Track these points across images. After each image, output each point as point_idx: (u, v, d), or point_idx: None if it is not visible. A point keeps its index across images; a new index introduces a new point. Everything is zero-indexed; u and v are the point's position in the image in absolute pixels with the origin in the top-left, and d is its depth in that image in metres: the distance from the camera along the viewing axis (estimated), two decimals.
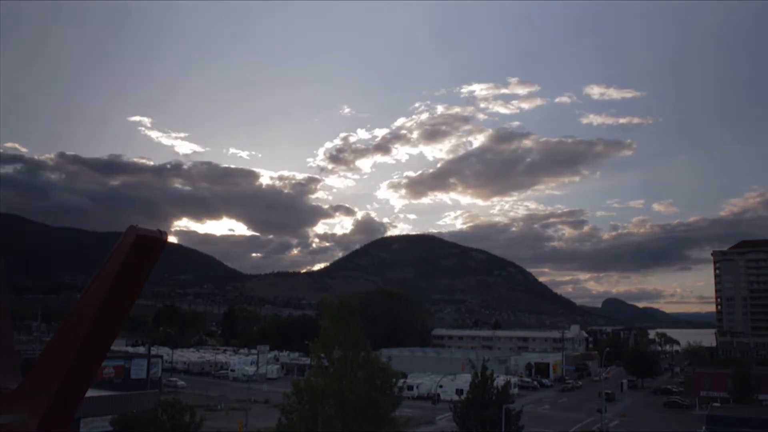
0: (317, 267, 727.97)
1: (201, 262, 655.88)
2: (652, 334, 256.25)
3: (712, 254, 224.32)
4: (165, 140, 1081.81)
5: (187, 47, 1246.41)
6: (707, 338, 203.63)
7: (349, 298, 32.68)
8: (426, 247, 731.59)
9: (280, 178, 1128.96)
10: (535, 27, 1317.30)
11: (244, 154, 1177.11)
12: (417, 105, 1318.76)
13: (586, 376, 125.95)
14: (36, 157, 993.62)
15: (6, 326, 9.74)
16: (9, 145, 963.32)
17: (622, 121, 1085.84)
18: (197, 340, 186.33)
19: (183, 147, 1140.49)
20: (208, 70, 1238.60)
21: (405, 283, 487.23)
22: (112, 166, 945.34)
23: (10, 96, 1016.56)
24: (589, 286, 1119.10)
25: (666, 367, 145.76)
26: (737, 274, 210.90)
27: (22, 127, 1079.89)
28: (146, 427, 37.35)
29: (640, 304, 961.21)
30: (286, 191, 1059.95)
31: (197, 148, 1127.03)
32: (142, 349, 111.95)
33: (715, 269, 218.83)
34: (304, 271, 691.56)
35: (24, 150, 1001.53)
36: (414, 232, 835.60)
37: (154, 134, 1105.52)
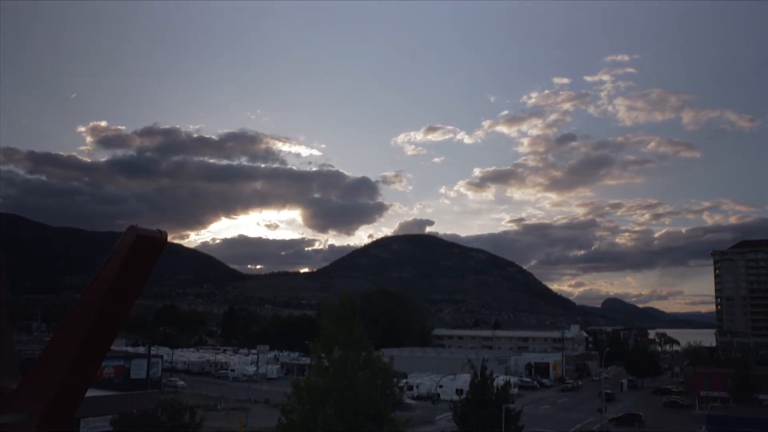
0: (317, 267, 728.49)
1: (201, 262, 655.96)
2: (652, 334, 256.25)
3: (711, 254, 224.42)
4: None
5: (280, 48, 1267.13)
6: (707, 338, 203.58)
7: (351, 298, 32.61)
8: (426, 247, 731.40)
9: (341, 175, 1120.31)
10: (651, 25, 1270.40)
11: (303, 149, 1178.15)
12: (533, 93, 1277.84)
13: (586, 376, 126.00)
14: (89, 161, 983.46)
15: (6, 326, 9.73)
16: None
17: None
18: (197, 340, 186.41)
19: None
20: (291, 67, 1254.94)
21: (405, 283, 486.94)
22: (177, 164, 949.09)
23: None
24: (596, 285, 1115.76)
25: (666, 367, 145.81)
26: (737, 274, 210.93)
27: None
28: (146, 427, 37.32)
29: (641, 305, 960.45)
30: (354, 188, 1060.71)
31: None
32: (142, 349, 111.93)
33: (715, 269, 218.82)
34: (304, 271, 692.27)
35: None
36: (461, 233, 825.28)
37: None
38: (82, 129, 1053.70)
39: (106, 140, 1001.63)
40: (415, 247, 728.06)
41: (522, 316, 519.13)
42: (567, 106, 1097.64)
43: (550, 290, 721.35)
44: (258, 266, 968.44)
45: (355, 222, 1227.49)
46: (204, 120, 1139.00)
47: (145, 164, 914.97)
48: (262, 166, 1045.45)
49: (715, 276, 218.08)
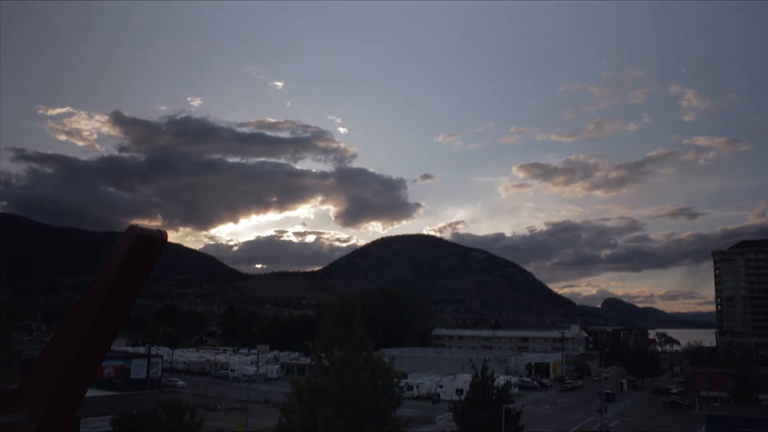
0: (317, 267, 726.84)
1: (201, 262, 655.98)
2: (652, 334, 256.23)
3: (712, 254, 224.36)
4: None
5: (332, 45, 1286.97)
6: (707, 338, 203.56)
7: (351, 297, 32.58)
8: (426, 247, 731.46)
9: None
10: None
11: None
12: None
13: (586, 376, 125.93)
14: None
15: (6, 326, 9.71)
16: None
17: None
18: (197, 340, 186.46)
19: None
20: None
21: (405, 283, 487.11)
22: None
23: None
24: (612, 286, 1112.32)
25: (666, 367, 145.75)
26: (737, 274, 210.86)
27: None
28: (146, 427, 37.31)
29: (641, 305, 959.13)
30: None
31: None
32: (142, 349, 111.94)
33: (715, 269, 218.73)
34: (304, 270, 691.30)
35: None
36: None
37: None
38: (87, 124, 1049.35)
39: (119, 135, 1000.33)
40: (415, 247, 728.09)
41: (522, 316, 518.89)
42: (631, 100, 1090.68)
43: (550, 290, 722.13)
44: (276, 266, 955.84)
45: (386, 221, 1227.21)
46: (236, 115, 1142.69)
47: (162, 160, 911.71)
48: (291, 163, 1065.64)
49: (715, 276, 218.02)
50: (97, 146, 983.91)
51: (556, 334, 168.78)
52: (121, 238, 7.62)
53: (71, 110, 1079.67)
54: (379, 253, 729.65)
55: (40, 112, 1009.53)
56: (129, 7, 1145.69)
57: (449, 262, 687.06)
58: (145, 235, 7.40)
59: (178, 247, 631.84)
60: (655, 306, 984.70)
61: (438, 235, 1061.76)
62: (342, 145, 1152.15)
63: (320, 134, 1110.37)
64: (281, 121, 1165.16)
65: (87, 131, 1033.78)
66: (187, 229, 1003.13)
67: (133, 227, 7.55)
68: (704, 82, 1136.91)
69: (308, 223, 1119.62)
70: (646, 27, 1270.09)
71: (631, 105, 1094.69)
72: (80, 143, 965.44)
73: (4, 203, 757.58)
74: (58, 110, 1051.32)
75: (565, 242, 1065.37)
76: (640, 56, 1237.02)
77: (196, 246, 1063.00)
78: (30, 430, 7.22)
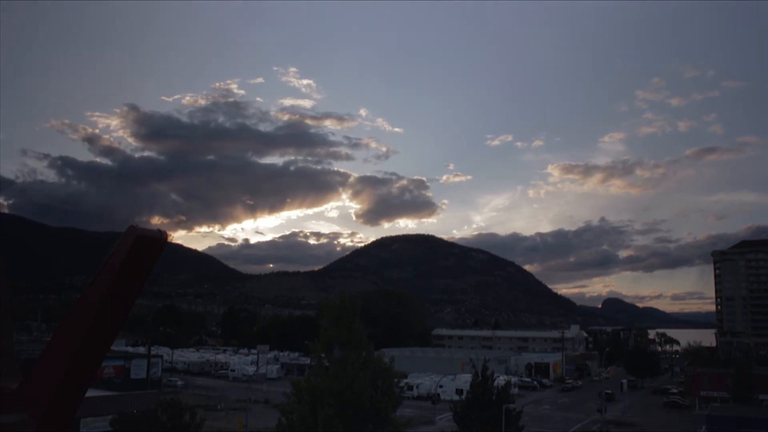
0: (317, 267, 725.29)
1: (201, 262, 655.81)
2: (652, 334, 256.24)
3: (712, 254, 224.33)
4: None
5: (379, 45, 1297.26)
6: (707, 338, 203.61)
7: (352, 298, 32.58)
8: (426, 247, 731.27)
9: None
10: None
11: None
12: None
13: (586, 376, 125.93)
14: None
15: (6, 326, 9.70)
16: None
17: None
18: (197, 340, 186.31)
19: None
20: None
21: (405, 283, 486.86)
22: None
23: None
24: (595, 285, 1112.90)
25: (666, 367, 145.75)
26: (737, 274, 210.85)
27: None
28: (146, 427, 37.32)
29: (641, 304, 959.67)
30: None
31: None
32: (142, 349, 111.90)
33: (715, 269, 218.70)
34: (304, 270, 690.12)
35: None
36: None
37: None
38: (100, 120, 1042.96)
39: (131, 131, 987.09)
40: (415, 247, 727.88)
41: (522, 316, 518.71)
42: (677, 99, 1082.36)
43: (550, 290, 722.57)
44: (292, 266, 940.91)
45: (412, 220, 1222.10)
46: (266, 109, 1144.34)
47: (183, 156, 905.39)
48: (326, 160, 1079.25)
49: (715, 276, 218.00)
50: (111, 141, 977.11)
51: (556, 334, 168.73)
52: (121, 238, 7.61)
53: (81, 106, 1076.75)
54: (379, 253, 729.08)
55: (46, 110, 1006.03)
56: (154, 6, 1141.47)
57: (449, 262, 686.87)
58: (145, 235, 7.39)
59: (179, 247, 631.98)
60: (656, 306, 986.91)
61: (458, 234, 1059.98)
62: (375, 143, 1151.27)
63: (355, 131, 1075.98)
64: (315, 116, 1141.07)
65: (101, 127, 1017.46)
66: (203, 228, 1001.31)
67: (133, 227, 7.55)
68: (758, 80, 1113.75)
69: (330, 221, 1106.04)
70: (701, 24, 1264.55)
71: (676, 105, 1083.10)
72: (89, 138, 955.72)
73: (11, 201, 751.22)
74: (67, 105, 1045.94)
75: (588, 243, 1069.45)
76: (693, 54, 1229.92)
77: (211, 244, 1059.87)
78: (30, 430, 7.21)
